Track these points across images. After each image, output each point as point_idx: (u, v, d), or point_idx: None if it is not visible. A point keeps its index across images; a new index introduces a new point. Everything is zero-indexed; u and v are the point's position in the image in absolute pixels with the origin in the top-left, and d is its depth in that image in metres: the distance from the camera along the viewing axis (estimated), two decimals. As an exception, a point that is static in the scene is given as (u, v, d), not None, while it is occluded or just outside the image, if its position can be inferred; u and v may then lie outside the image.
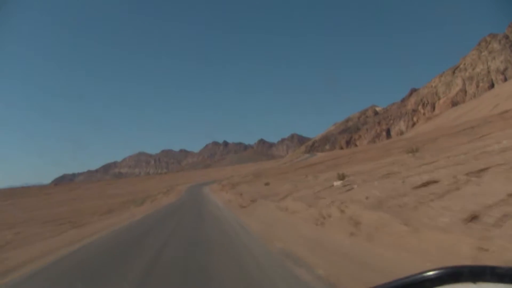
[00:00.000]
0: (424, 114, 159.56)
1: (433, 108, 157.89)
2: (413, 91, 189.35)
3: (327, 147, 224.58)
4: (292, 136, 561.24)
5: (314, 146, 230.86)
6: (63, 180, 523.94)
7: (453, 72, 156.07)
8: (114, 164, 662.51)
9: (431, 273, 1.43)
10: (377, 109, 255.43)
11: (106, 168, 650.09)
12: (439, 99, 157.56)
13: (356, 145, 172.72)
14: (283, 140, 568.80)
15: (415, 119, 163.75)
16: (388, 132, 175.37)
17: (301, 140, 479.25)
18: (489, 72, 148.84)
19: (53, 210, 52.04)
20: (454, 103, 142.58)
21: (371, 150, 57.81)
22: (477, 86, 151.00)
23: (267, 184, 35.60)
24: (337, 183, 15.86)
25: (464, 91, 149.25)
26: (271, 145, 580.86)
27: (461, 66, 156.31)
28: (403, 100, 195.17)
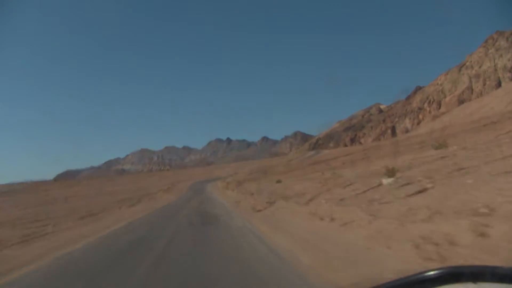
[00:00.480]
0: (430, 112, 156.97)
1: (439, 106, 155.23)
2: (418, 89, 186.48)
3: (331, 144, 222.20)
4: (296, 134, 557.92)
5: (318, 144, 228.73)
6: (67, 176, 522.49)
7: (459, 70, 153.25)
8: (117, 161, 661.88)
9: (432, 272, 1.44)
10: (382, 107, 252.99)
11: (109, 164, 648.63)
12: (445, 97, 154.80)
13: (360, 143, 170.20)
14: (286, 137, 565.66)
15: (420, 117, 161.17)
16: (393, 130, 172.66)
17: (305, 137, 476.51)
18: (496, 70, 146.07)
19: (47, 207, 49.64)
20: (461, 101, 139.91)
21: (385, 147, 55.22)
22: (484, 84, 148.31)
23: (279, 181, 33.06)
24: (387, 180, 12.71)
25: (470, 89, 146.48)
26: (274, 142, 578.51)
27: (467, 63, 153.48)
28: (408, 98, 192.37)
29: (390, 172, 13.77)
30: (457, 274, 1.40)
